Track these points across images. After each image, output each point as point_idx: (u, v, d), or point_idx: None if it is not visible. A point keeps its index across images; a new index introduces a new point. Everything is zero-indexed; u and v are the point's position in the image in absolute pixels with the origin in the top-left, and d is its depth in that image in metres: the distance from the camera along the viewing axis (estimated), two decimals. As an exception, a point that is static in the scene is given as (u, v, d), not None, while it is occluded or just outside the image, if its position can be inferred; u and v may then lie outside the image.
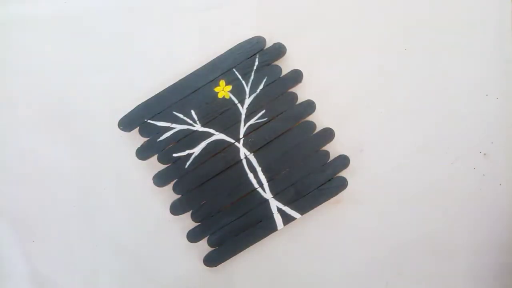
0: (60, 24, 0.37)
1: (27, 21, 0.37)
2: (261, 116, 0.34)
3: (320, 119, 0.35)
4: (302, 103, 0.35)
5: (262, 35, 0.34)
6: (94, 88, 0.36)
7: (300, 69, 0.35)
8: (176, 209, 0.34)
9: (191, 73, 0.35)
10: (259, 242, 0.34)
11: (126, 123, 0.35)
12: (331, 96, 0.35)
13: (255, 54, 0.35)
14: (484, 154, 0.35)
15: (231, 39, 0.35)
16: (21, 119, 0.37)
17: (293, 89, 0.35)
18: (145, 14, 0.37)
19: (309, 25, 0.36)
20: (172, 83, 0.35)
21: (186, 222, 0.34)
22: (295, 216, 0.34)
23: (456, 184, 0.35)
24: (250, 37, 0.35)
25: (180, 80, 0.35)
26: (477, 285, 0.35)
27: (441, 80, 0.35)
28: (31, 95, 0.37)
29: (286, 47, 0.35)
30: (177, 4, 0.37)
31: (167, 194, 0.34)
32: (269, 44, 0.35)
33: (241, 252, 0.34)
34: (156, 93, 0.35)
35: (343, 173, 0.34)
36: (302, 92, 0.35)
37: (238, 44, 0.35)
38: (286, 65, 0.35)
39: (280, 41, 0.35)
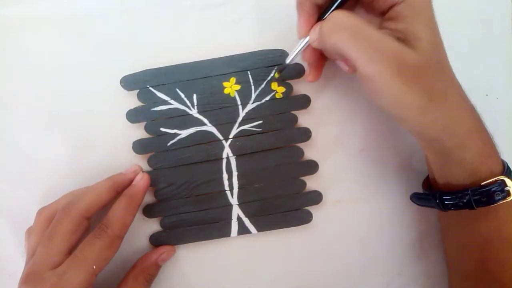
0: (60, 24, 0.37)
1: (27, 21, 0.37)
2: (256, 125, 0.35)
3: (309, 150, 0.35)
4: (299, 128, 0.35)
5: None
6: (94, 88, 0.36)
7: (309, 96, 0.35)
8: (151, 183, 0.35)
9: (207, 60, 0.35)
10: (209, 241, 0.35)
11: (129, 82, 0.35)
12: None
13: (274, 66, 0.35)
14: (484, 154, 0.35)
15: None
16: (21, 119, 0.37)
17: (296, 112, 0.35)
18: (145, 14, 0.37)
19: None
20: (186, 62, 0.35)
21: (148, 198, 0.35)
22: (251, 230, 0.34)
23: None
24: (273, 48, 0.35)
25: (194, 62, 0.35)
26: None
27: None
28: (31, 95, 0.37)
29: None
30: (178, 4, 0.37)
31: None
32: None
33: (189, 244, 0.35)
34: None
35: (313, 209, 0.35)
36: (303, 118, 0.35)
37: (261, 50, 0.35)
38: (297, 86, 0.35)
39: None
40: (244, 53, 0.35)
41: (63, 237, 0.29)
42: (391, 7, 0.27)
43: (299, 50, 0.30)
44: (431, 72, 0.26)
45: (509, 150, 0.35)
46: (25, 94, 0.37)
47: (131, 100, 0.35)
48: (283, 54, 0.35)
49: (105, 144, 0.36)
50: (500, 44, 0.36)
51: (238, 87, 0.35)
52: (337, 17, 0.27)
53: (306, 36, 0.29)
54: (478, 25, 0.36)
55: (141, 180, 0.33)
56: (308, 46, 0.30)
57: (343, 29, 0.26)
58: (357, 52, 0.26)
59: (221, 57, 0.35)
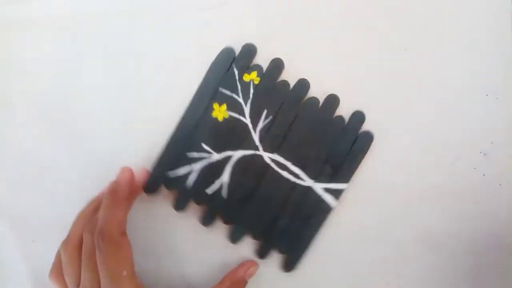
0: (60, 25, 0.37)
1: (27, 22, 0.37)
2: (265, 117, 0.34)
3: (319, 92, 0.35)
4: (295, 85, 0.35)
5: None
6: (95, 88, 0.36)
7: (279, 57, 0.35)
8: (235, 237, 0.34)
9: (184, 112, 0.34)
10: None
11: (151, 188, 0.34)
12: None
13: (231, 65, 0.35)
14: (484, 154, 0.35)
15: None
16: (21, 119, 0.37)
17: (282, 78, 0.35)
18: (145, 14, 0.37)
19: (302, 23, 0.36)
20: (172, 130, 0.35)
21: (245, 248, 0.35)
22: (342, 187, 0.34)
23: (456, 184, 0.35)
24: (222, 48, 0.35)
25: (177, 124, 0.34)
26: (477, 285, 0.34)
27: (441, 80, 0.35)
28: (31, 95, 0.37)
29: (257, 46, 0.35)
30: (177, 4, 0.37)
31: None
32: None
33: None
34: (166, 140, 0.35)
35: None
36: (292, 77, 0.35)
37: (211, 64, 0.35)
38: (265, 60, 0.35)
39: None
40: (202, 80, 0.35)
41: (119, 265, 0.29)
42: None
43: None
44: None
45: (509, 150, 0.35)
46: (25, 94, 0.37)
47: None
48: (228, 50, 0.34)
49: (105, 144, 0.36)
50: (500, 44, 0.36)
51: (224, 106, 0.34)
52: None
53: None
54: (478, 25, 0.36)
55: (122, 174, 0.32)
56: None
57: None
58: None
59: (191, 101, 0.34)
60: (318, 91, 0.35)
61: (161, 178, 0.34)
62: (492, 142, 0.35)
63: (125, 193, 0.31)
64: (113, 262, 0.28)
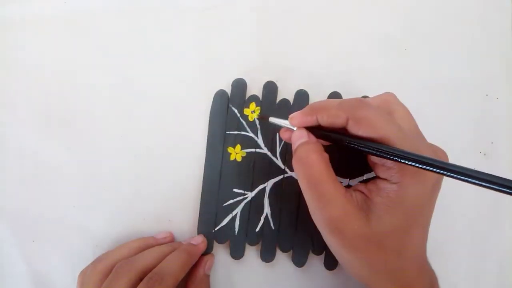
0: (60, 24, 0.37)
1: (27, 21, 0.37)
2: (279, 139, 0.34)
3: (318, 98, 0.35)
4: (294, 99, 0.35)
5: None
6: (95, 88, 0.36)
7: (271, 80, 0.35)
8: (299, 260, 0.34)
9: (204, 167, 0.34)
10: None
11: (211, 245, 0.34)
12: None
13: (228, 106, 0.35)
14: (484, 154, 0.35)
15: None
16: (21, 119, 0.37)
17: (279, 98, 0.35)
18: (145, 14, 0.37)
19: (301, 23, 0.36)
20: (199, 190, 0.35)
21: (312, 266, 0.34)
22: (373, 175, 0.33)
23: (456, 184, 0.35)
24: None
25: (203, 181, 0.34)
26: (477, 285, 0.34)
27: (441, 80, 0.35)
28: (31, 95, 0.37)
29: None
30: (177, 4, 0.37)
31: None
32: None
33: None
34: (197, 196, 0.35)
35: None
36: (289, 93, 0.35)
37: (210, 113, 0.35)
38: (258, 87, 0.35)
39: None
40: (208, 132, 0.35)
41: None
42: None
43: (281, 126, 0.29)
44: (383, 247, 0.25)
45: (509, 151, 0.35)
46: (26, 94, 0.37)
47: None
48: (221, 93, 0.35)
49: (106, 144, 0.36)
50: (500, 44, 0.36)
51: (239, 146, 0.34)
52: (307, 156, 0.26)
53: (293, 127, 0.28)
54: (478, 25, 0.36)
55: (202, 243, 0.33)
56: (287, 131, 0.29)
57: (303, 174, 0.26)
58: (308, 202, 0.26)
59: (206, 156, 0.34)
60: (317, 98, 0.35)
61: (210, 236, 0.34)
62: (492, 142, 0.35)
63: (194, 262, 0.32)
64: None
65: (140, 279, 0.29)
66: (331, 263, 0.34)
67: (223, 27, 0.36)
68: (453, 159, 0.35)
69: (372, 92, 0.35)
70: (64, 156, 0.36)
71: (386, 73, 0.36)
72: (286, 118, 0.29)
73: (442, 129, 0.35)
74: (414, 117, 0.35)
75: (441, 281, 0.33)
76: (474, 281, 0.35)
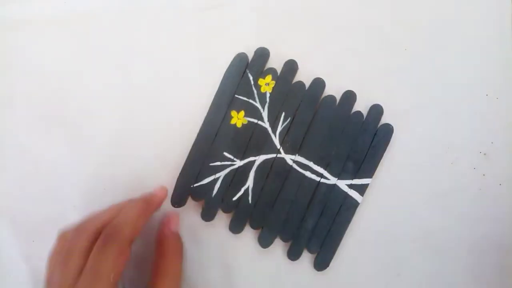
0: (60, 25, 0.37)
1: (27, 22, 0.37)
2: (283, 119, 0.34)
3: (334, 90, 0.35)
4: (310, 85, 0.35)
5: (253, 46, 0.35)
6: (95, 88, 0.36)
7: (293, 59, 0.35)
8: (265, 241, 0.34)
9: (203, 123, 0.34)
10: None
11: (178, 199, 0.34)
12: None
13: (245, 71, 0.35)
14: (484, 154, 0.35)
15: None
16: (21, 119, 0.37)
17: (296, 79, 0.35)
18: (145, 14, 0.37)
19: (302, 23, 0.36)
20: (192, 141, 0.35)
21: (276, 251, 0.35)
22: (366, 182, 0.34)
23: (456, 184, 0.35)
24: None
25: (197, 135, 0.34)
26: (477, 285, 0.35)
27: (441, 80, 0.36)
28: (31, 95, 0.37)
29: (270, 48, 0.35)
30: (177, 4, 0.37)
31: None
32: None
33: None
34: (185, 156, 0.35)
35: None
36: (306, 77, 0.35)
37: (225, 72, 0.35)
38: (279, 63, 0.35)
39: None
40: (218, 89, 0.35)
41: (113, 267, 0.27)
42: None
43: None
44: None
45: (509, 151, 0.35)
46: (26, 94, 0.37)
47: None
48: (241, 56, 0.35)
49: (106, 144, 0.36)
50: (500, 44, 0.36)
51: (242, 113, 0.34)
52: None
53: None
54: (478, 25, 0.36)
55: (161, 191, 0.33)
56: None
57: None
58: None
59: (208, 111, 0.34)
60: (333, 89, 0.35)
61: (187, 190, 0.34)
62: (492, 142, 0.35)
63: (155, 208, 0.32)
64: (109, 263, 0.27)
65: (131, 244, 0.28)
66: (296, 254, 0.34)
67: (223, 27, 0.36)
68: (453, 159, 0.35)
69: (372, 92, 0.35)
70: (64, 156, 0.36)
71: (386, 73, 0.36)
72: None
73: (442, 129, 0.35)
74: (414, 117, 0.36)
75: (441, 281, 0.33)
76: (474, 281, 0.35)
